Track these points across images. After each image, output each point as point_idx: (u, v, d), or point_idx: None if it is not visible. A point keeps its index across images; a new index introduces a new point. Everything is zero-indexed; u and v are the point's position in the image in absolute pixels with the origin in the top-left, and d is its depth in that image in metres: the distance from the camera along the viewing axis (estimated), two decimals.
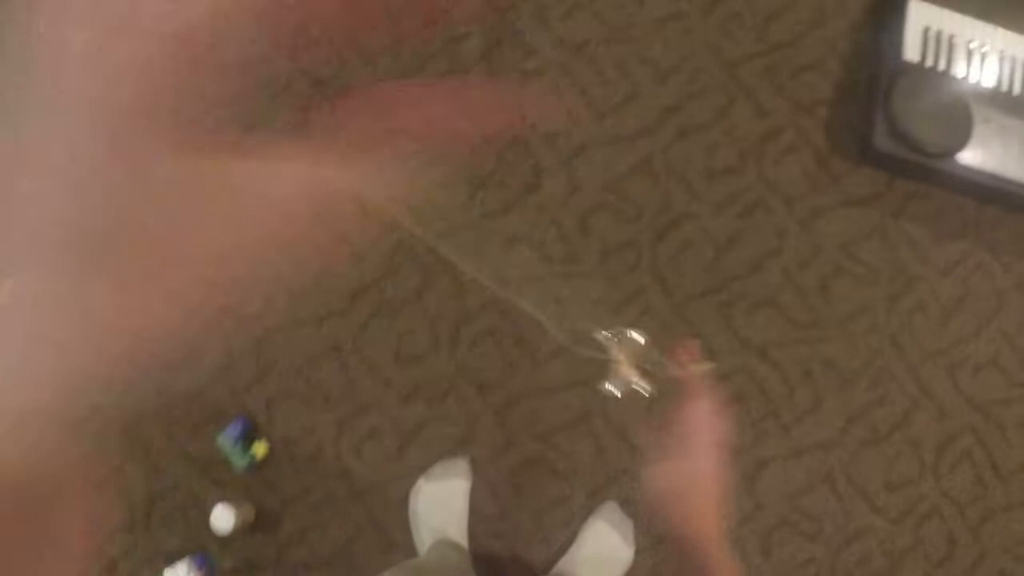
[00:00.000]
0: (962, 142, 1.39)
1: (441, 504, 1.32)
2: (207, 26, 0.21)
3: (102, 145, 0.21)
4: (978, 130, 1.41)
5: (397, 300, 1.37)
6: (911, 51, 1.43)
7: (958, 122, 1.40)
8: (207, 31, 0.21)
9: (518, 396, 1.35)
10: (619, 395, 0.52)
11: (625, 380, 0.53)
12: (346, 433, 1.36)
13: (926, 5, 1.45)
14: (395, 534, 1.32)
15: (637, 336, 0.53)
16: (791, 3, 1.45)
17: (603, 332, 0.54)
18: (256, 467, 1.35)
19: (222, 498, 1.31)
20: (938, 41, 1.44)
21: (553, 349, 1.37)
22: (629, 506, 1.33)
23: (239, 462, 1.33)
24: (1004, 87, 1.43)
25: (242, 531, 1.29)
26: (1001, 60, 1.45)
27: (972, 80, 1.43)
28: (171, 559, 1.30)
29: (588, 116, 1.41)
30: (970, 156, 1.40)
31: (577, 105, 1.41)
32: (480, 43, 1.44)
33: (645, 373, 0.53)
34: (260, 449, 1.34)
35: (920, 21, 1.44)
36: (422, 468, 1.35)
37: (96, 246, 0.21)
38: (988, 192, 1.42)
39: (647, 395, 0.53)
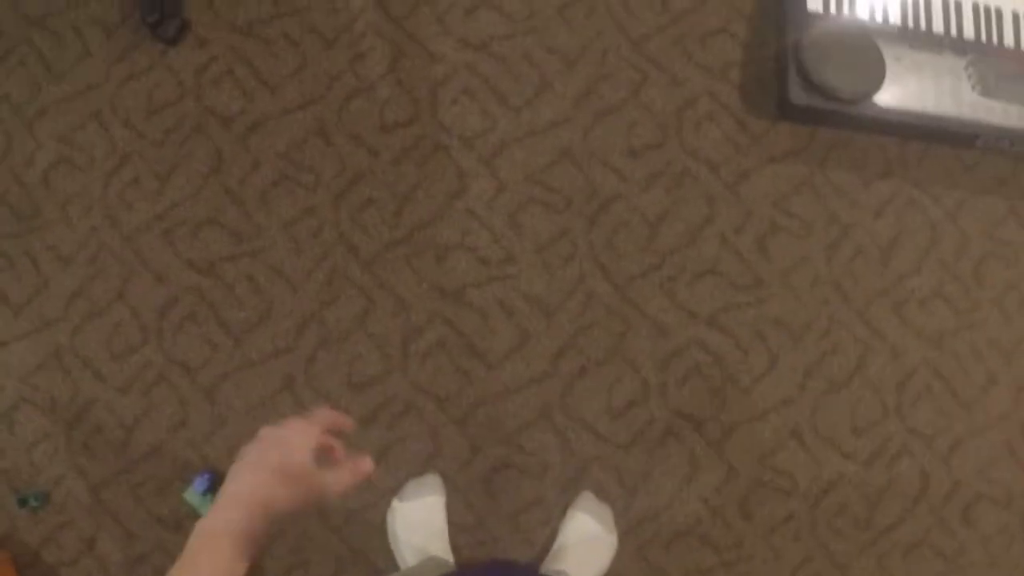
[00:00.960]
0: (876, 84, 1.43)
1: (419, 522, 1.33)
2: None
3: None
4: (891, 70, 1.44)
5: (341, 327, 1.38)
6: (813, 1, 1.46)
7: (870, 65, 1.44)
8: None
9: (476, 403, 1.36)
10: None
11: None
12: None
13: None
14: (379, 560, 1.34)
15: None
16: None
17: None
18: None
19: None
20: None
21: (504, 351, 1.38)
22: (604, 492, 1.35)
23: None
24: (911, 23, 1.47)
25: None
26: None
27: (878, 21, 1.46)
28: None
29: (503, 113, 1.43)
30: (886, 96, 1.43)
31: (490, 104, 1.43)
32: (384, 56, 1.45)
33: None
34: None
35: None
36: (394, 490, 1.36)
37: None
38: (908, 129, 1.45)
39: None
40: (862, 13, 1.46)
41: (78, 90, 1.48)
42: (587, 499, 1.35)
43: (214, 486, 1.36)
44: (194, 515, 1.36)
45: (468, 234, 1.40)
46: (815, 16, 1.45)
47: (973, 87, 1.45)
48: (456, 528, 1.33)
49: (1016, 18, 1.50)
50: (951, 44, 1.47)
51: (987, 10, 1.49)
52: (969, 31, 1.48)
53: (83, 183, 1.46)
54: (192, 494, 1.35)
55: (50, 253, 1.45)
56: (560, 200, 1.41)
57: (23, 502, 1.39)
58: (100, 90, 1.48)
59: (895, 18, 1.46)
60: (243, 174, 1.43)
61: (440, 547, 1.32)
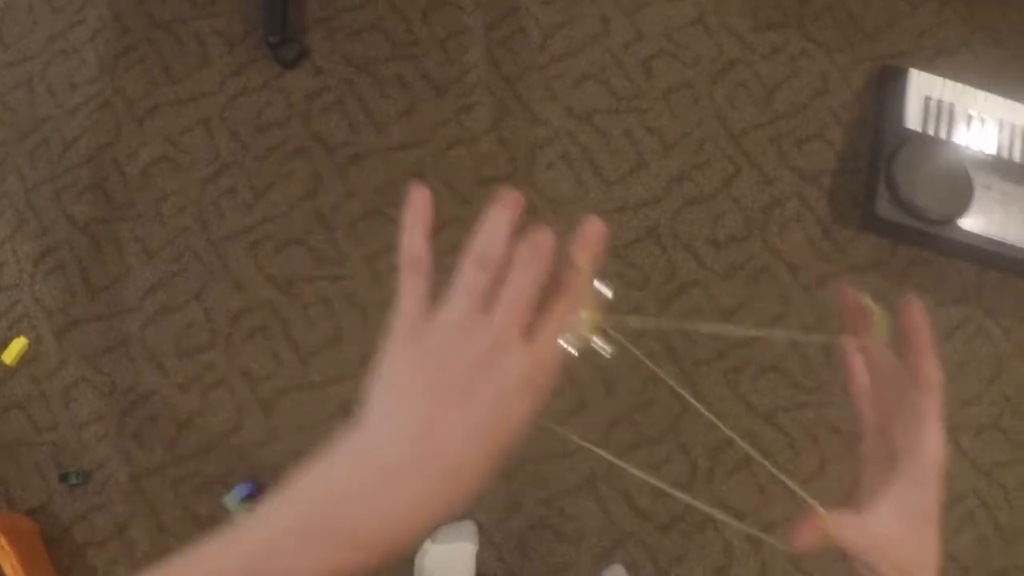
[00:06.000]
0: (963, 209, 1.54)
1: (448, 566, 1.43)
2: None
3: None
4: (979, 197, 1.55)
5: None
6: (912, 120, 1.58)
7: (959, 189, 1.55)
8: None
9: (523, 460, 1.47)
10: (576, 352, 0.48)
11: (584, 337, 0.49)
12: None
13: (927, 75, 1.60)
14: None
15: (603, 289, 0.49)
16: (795, 74, 1.61)
17: None
18: None
19: None
20: (939, 110, 1.59)
21: (562, 414, 1.49)
22: (636, 568, 1.44)
23: None
24: (1004, 154, 1.58)
25: None
26: (1001, 128, 1.60)
27: (972, 148, 1.58)
28: None
29: (596, 184, 1.56)
30: (971, 222, 1.54)
31: (585, 173, 1.56)
32: (489, 112, 1.59)
33: (604, 333, 0.49)
34: None
35: (921, 91, 1.60)
36: (429, 531, 1.46)
37: None
38: (989, 257, 1.56)
39: (607, 356, 0.50)
40: (958, 138, 1.58)
41: (191, 95, 1.64)
42: (618, 573, 1.44)
43: (254, 495, 1.47)
44: (230, 520, 1.46)
45: None
46: (911, 134, 1.57)
47: None
48: None
49: None
50: None
51: None
52: None
53: (181, 183, 1.61)
54: (232, 500, 1.46)
55: (137, 244, 1.60)
56: (639, 276, 1.53)
57: (64, 477, 1.52)
58: (213, 99, 1.63)
59: (990, 147, 1.58)
60: (337, 202, 1.57)
61: None
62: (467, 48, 1.64)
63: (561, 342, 0.47)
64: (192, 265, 1.58)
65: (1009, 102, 1.62)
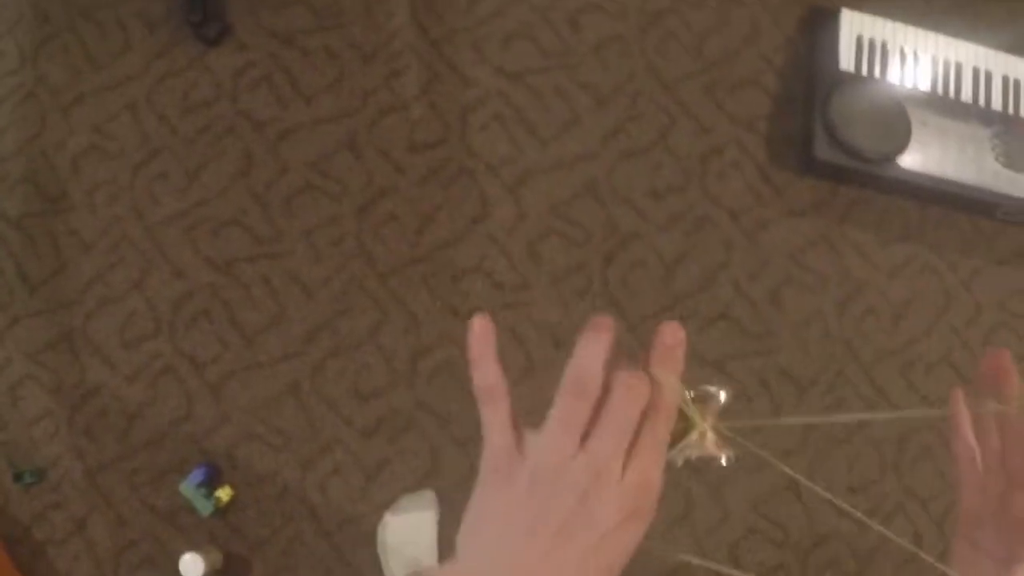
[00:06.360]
0: (901, 146, 1.55)
1: (411, 537, 1.44)
2: None
3: None
4: (916, 134, 1.56)
5: (352, 337, 1.48)
6: (846, 60, 1.58)
7: (896, 127, 1.55)
8: None
9: (479, 426, 1.46)
10: (680, 464, 0.47)
11: (703, 447, 0.47)
12: (310, 473, 1.47)
13: (858, 14, 1.60)
14: (366, 571, 1.43)
15: (720, 392, 0.48)
16: (725, 21, 1.60)
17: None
18: (222, 512, 1.45)
19: (189, 546, 1.41)
20: (872, 49, 1.59)
21: (513, 378, 1.48)
22: None
23: (204, 508, 1.44)
24: (939, 90, 1.59)
25: None
26: (935, 64, 1.60)
27: (908, 85, 1.58)
28: None
29: (531, 144, 1.55)
30: (910, 160, 1.55)
31: (519, 133, 1.55)
32: (419, 77, 1.57)
33: (722, 437, 0.48)
34: (224, 494, 1.45)
35: (853, 30, 1.59)
36: (388, 503, 1.46)
37: None
38: (929, 194, 1.57)
39: (725, 464, 0.48)
40: (893, 76, 1.58)
41: (116, 81, 1.61)
42: None
43: (210, 480, 1.46)
44: (188, 507, 1.45)
45: (486, 259, 1.52)
46: (846, 75, 1.57)
47: (997, 158, 1.56)
48: (448, 547, 1.43)
49: None
50: (978, 114, 1.58)
51: (1016, 83, 1.60)
52: (997, 103, 1.60)
53: (112, 172, 1.58)
54: (188, 486, 1.45)
55: (72, 237, 1.57)
56: (580, 234, 1.53)
57: (18, 477, 1.50)
58: (138, 83, 1.61)
59: (925, 84, 1.58)
60: (270, 179, 1.55)
61: (430, 562, 1.42)
62: (392, 13, 1.61)
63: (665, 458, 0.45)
64: (129, 254, 1.55)
65: (941, 37, 1.62)
